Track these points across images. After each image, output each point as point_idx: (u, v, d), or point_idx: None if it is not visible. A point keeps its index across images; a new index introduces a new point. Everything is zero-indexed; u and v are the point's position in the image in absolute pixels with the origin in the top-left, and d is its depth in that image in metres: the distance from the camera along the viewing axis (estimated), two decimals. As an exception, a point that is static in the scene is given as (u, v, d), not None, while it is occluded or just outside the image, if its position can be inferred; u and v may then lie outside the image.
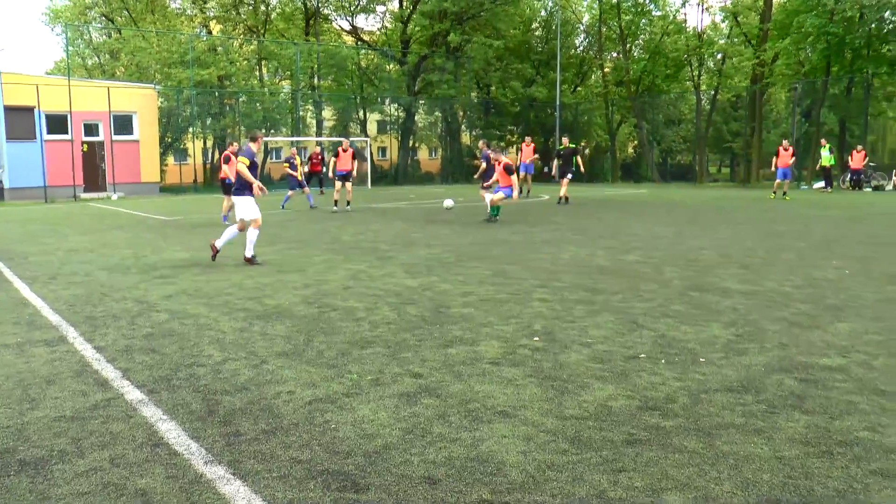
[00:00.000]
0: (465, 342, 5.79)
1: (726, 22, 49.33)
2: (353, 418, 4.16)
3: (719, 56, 49.53)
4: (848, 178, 32.77)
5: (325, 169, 23.30)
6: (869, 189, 32.29)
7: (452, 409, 4.28)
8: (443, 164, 47.47)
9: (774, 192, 25.79)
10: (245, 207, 10.42)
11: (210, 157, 46.84)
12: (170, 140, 39.72)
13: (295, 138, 39.57)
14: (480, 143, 23.11)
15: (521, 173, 23.95)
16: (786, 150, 25.08)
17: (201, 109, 38.21)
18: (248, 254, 10.32)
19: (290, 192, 22.14)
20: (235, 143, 17.37)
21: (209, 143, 45.13)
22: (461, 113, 47.70)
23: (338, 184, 20.00)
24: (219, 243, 10.46)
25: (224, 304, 7.48)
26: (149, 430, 4.05)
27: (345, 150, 20.23)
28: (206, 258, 10.77)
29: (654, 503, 3.13)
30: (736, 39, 47.37)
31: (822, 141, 32.87)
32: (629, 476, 3.38)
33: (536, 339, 5.87)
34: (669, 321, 6.49)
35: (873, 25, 38.56)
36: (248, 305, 7.36)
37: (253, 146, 10.64)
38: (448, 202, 15.02)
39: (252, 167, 10.46)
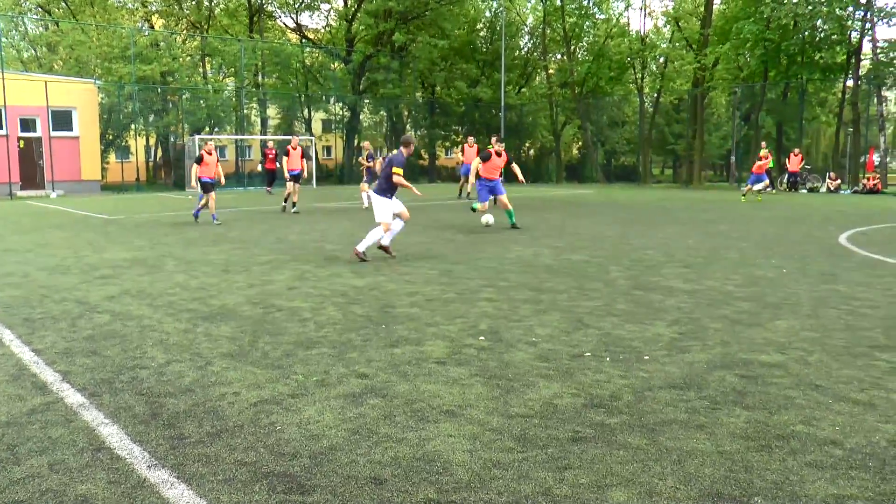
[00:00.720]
0: (411, 342, 5.80)
1: (668, 27, 50.27)
2: (298, 419, 4.13)
3: (662, 60, 50.43)
4: (785, 180, 33.66)
5: (279, 166, 23.16)
6: (804, 191, 33.21)
7: (398, 409, 4.28)
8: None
9: (759, 195, 26.15)
10: (381, 208, 10.77)
11: (153, 155, 45.95)
12: (111, 137, 38.84)
13: (239, 136, 39.13)
14: (364, 144, 22.71)
15: (463, 175, 23.90)
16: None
17: (144, 106, 37.43)
18: (362, 248, 10.53)
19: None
20: (211, 143, 16.84)
21: (152, 141, 44.28)
22: (406, 112, 47.67)
23: (289, 185, 19.70)
24: (385, 241, 10.82)
25: (168, 304, 7.35)
26: (90, 434, 3.96)
27: (294, 149, 19.93)
28: (150, 257, 10.58)
29: (598, 499, 3.18)
30: (678, 44, 48.31)
31: (763, 144, 33.74)
32: (574, 473, 3.42)
33: (482, 338, 5.91)
34: (614, 320, 6.59)
35: (807, 33, 39.71)
36: (192, 306, 7.25)
37: (405, 151, 10.99)
38: (488, 218, 14.06)
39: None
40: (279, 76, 44.67)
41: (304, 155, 20.27)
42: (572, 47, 49.32)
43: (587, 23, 48.89)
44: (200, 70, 42.54)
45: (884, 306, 7.31)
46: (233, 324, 6.47)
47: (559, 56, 51.79)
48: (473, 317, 6.71)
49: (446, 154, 54.75)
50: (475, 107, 47.47)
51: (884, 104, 43.74)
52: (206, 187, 16.18)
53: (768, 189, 32.39)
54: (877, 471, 3.49)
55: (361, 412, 4.24)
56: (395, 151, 11.20)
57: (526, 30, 52.56)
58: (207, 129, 38.87)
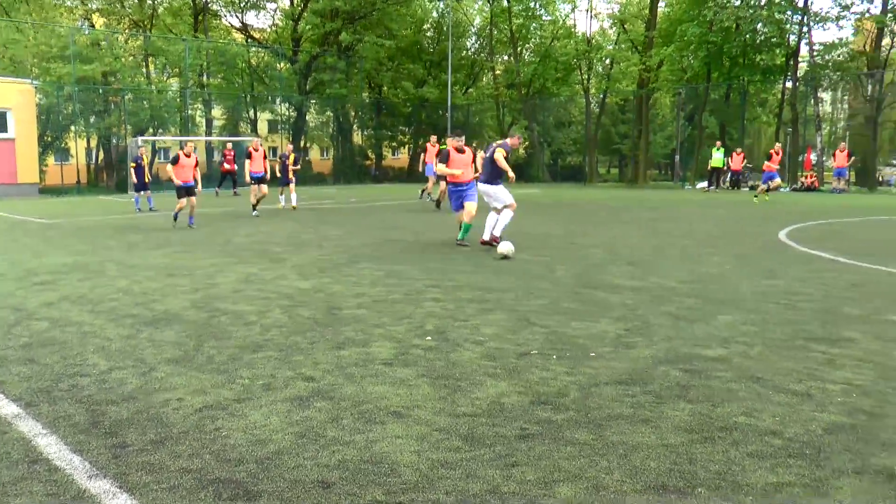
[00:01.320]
0: (358, 343, 5.77)
1: (614, 29, 50.91)
2: (244, 424, 4.08)
3: (607, 61, 51.11)
4: (728, 179, 34.36)
5: (237, 168, 22.76)
6: (746, 189, 33.92)
7: (345, 412, 4.25)
8: (335, 165, 47.06)
9: (767, 194, 25.56)
10: (501, 194, 11.77)
11: (94, 157, 44.91)
12: (50, 139, 37.82)
13: (184, 138, 38.48)
14: (287, 147, 21.97)
15: (428, 175, 23.55)
16: (777, 153, 25.28)
17: (84, 107, 36.54)
18: (498, 233, 11.62)
19: (136, 194, 21.38)
20: (190, 144, 16.14)
21: (93, 143, 43.27)
22: (353, 113, 47.43)
23: (254, 186, 19.26)
24: (497, 232, 11.66)
25: (110, 310, 7.20)
26: (26, 445, 3.85)
27: (256, 151, 19.42)
28: (91, 262, 10.35)
29: (546, 495, 3.20)
30: (623, 46, 48.97)
31: (718, 143, 34.47)
32: (522, 470, 3.44)
33: (429, 338, 5.91)
34: (561, 318, 6.65)
35: (748, 36, 40.62)
36: (135, 311, 7.11)
37: (510, 143, 11.93)
38: (506, 248, 10.45)
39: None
40: (224, 76, 44.07)
41: (245, 156, 19.88)
42: (519, 48, 49.68)
43: (533, 24, 49.30)
44: (143, 70, 41.72)
45: (820, 300, 7.52)
46: (177, 328, 6.36)
47: (506, 57, 52.10)
48: (420, 317, 6.70)
49: (393, 154, 54.64)
50: (422, 107, 47.47)
51: (820, 105, 44.97)
52: (182, 192, 15.53)
53: (709, 188, 33.10)
54: (812, 458, 3.60)
55: (308, 415, 4.21)
56: (499, 141, 12.20)
57: (473, 30, 52.75)
58: (151, 130, 38.16)
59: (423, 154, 24.25)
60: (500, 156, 11.47)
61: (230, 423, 4.10)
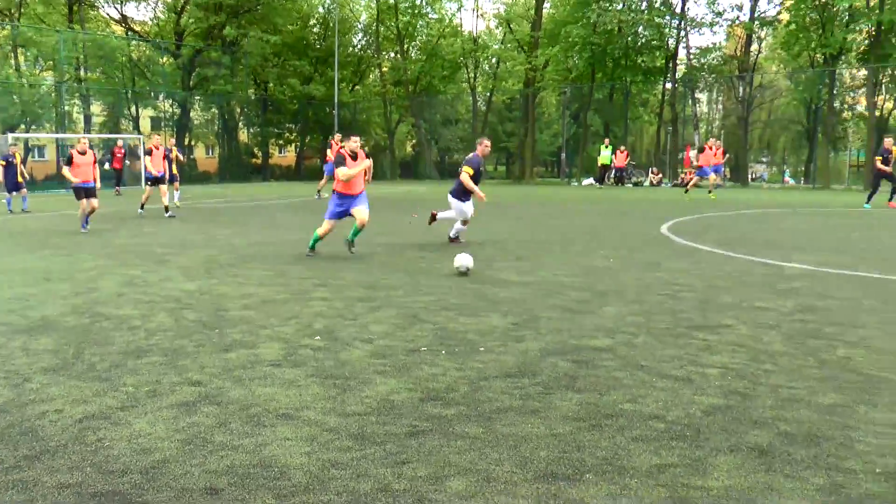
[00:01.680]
0: (246, 345, 5.66)
1: (500, 29, 51.69)
2: (128, 433, 3.93)
3: (494, 60, 51.85)
4: (612, 176, 35.48)
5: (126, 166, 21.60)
6: (630, 185, 35.13)
7: (233, 416, 4.16)
8: (220, 163, 45.90)
9: (710, 190, 25.09)
10: (465, 208, 11.89)
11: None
12: None
13: (60, 135, 36.66)
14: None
15: (327, 174, 23.02)
16: (710, 148, 24.85)
17: (-56, 101, 34.33)
18: (452, 233, 12.16)
19: (8, 195, 20.22)
20: (84, 141, 14.83)
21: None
22: (238, 110, 46.34)
23: (162, 187, 17.99)
24: (451, 231, 12.21)
25: (-24, 317, 6.79)
26: None
27: (157, 149, 18.13)
28: (-45, 268, 9.74)
29: (437, 490, 3.22)
30: (509, 45, 49.76)
31: (606, 141, 35.51)
32: (413, 467, 3.46)
33: (318, 338, 5.85)
34: (449, 313, 6.71)
35: (630, 38, 42.06)
36: (8, 319, 6.72)
37: (479, 150, 11.90)
38: (462, 262, 8.81)
39: (476, 176, 11.83)
40: (103, 70, 42.16)
41: (132, 154, 19.03)
42: (406, 46, 49.74)
43: (420, 22, 49.47)
44: (12, 62, 39.47)
45: (700, 290, 7.87)
46: (55, 336, 6.06)
47: (393, 54, 52.07)
48: (308, 317, 6.63)
49: (280, 153, 53.79)
50: (309, 104, 46.87)
51: (697, 105, 47.03)
52: (80, 193, 14.30)
53: (595, 185, 34.12)
54: (693, 439, 3.77)
55: (195, 421, 4.09)
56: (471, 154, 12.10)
57: (360, 27, 52.46)
58: (23, 126, 36.19)
59: (327, 150, 23.68)
60: (465, 178, 11.69)
61: (113, 432, 3.95)
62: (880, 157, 20.57)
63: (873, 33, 37.22)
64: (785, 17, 40.88)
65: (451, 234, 12.21)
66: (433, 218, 12.51)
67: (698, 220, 16.37)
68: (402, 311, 6.85)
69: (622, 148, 35.93)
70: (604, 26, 40.04)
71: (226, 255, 10.71)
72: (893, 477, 3.37)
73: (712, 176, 25.19)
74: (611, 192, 29.12)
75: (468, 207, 11.96)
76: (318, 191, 24.06)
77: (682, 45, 43.51)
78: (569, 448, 3.66)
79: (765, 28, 44.63)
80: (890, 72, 38.25)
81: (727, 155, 34.77)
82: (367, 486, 3.28)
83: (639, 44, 42.68)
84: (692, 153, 39.19)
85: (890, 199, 20.91)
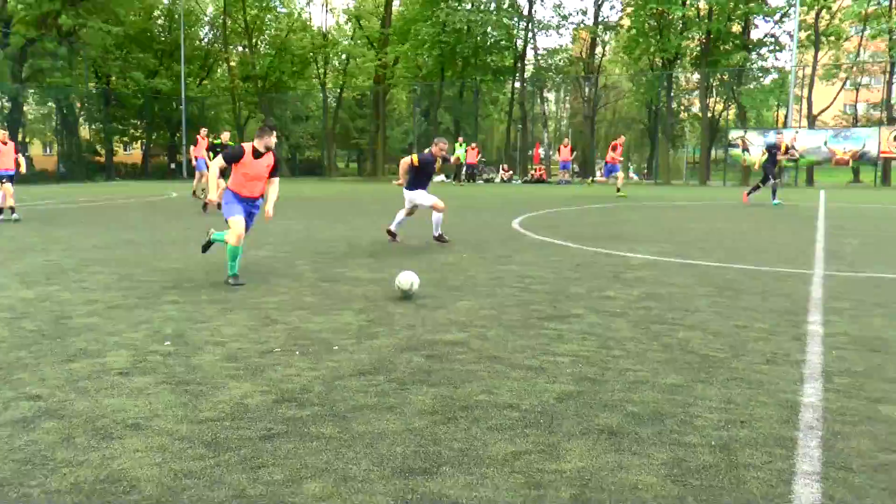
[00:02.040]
0: (91, 354, 5.33)
1: (350, 24, 51.42)
2: (-49, 454, 3.61)
3: (344, 56, 51.54)
4: (464, 172, 36.10)
5: None
6: (482, 182, 35.83)
7: (78, 430, 3.90)
8: (60, 161, 43.25)
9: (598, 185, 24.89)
10: (422, 196, 11.70)
11: None
12: None
13: None
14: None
15: (198, 172, 21.34)
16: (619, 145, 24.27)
17: None
18: (437, 231, 11.75)
19: None
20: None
21: None
22: (78, 104, 43.79)
23: (7, 186, 15.74)
24: (393, 227, 11.94)
25: None
26: None
27: (5, 144, 15.77)
28: None
29: (293, 493, 3.15)
30: (359, 41, 49.60)
31: (460, 139, 35.99)
32: (269, 471, 3.37)
33: (168, 343, 5.61)
34: (303, 313, 6.60)
35: (479, 38, 42.87)
36: None
37: (434, 151, 11.69)
38: (406, 281, 7.30)
39: (425, 176, 11.81)
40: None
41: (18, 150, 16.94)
42: (254, 40, 48.64)
43: (269, 16, 48.51)
44: None
45: (551, 282, 8.12)
46: None
47: (241, 48, 50.79)
48: (158, 321, 6.34)
49: (125, 150, 51.32)
50: (154, 99, 44.96)
51: (545, 104, 48.57)
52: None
53: (449, 181, 34.58)
54: (546, 426, 3.88)
55: (34, 438, 3.80)
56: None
57: (206, 20, 50.81)
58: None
59: (192, 147, 22.18)
60: (403, 161, 11.90)
61: (-68, 454, 3.61)
62: (766, 152, 20.29)
63: (704, 40, 39.72)
64: (626, 22, 43.00)
65: (392, 227, 12.08)
66: (441, 240, 11.83)
67: (548, 215, 16.92)
68: (255, 312, 6.67)
69: (473, 145, 36.63)
70: (453, 25, 40.66)
71: (68, 259, 10.08)
72: (727, 448, 3.60)
73: (607, 176, 25.25)
74: (463, 189, 29.61)
75: (419, 196, 11.74)
76: (195, 192, 22.45)
77: (530, 45, 44.84)
78: (425, 442, 3.67)
79: (608, 32, 46.80)
80: (720, 76, 40.89)
81: (574, 152, 36.16)
82: (221, 493, 3.16)
83: (488, 43, 43.62)
84: (541, 150, 40.48)
85: (748, 193, 20.79)
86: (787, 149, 21.28)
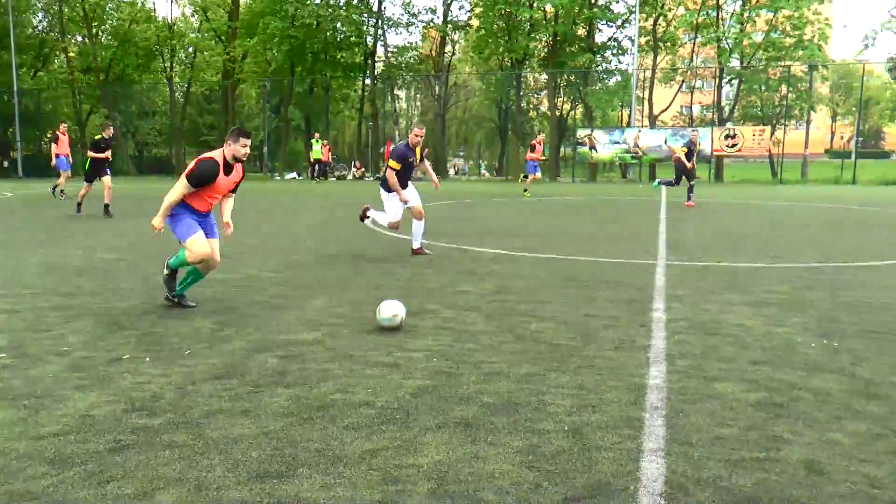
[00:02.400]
0: None
1: (196, 16, 49.69)
2: None
3: (191, 49, 49.73)
4: (316, 170, 35.72)
5: None
6: (334, 179, 35.55)
7: None
8: None
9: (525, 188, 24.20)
10: (390, 204, 10.03)
11: None
12: None
13: None
14: None
15: (61, 172, 19.75)
16: (539, 144, 23.81)
17: None
18: (416, 244, 10.14)
19: None
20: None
21: None
22: None
23: None
24: (416, 244, 10.17)
25: None
26: None
27: None
28: None
29: (144, 506, 3.03)
30: (206, 34, 48.02)
31: (317, 136, 35.44)
32: (118, 485, 3.21)
33: (3, 355, 5.23)
34: (152, 317, 6.34)
35: (329, 34, 42.49)
36: None
37: (410, 139, 10.04)
38: (389, 312, 5.92)
39: (406, 169, 9.96)
40: None
41: None
42: (94, 30, 46.13)
43: (110, 4, 46.06)
44: None
45: (405, 278, 8.18)
46: None
47: (80, 38, 48.03)
48: (-11, 331, 5.91)
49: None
50: (-20, 91, 41.85)
51: (396, 102, 48.77)
52: None
53: (304, 178, 34.11)
54: (402, 421, 3.91)
55: None
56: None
57: (40, 5, 47.65)
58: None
59: (53, 145, 20.06)
60: (390, 174, 9.81)
61: None
62: (686, 150, 19.59)
63: (551, 42, 41.14)
64: (475, 22, 43.82)
65: (415, 244, 10.21)
66: (364, 215, 10.44)
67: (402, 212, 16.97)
68: (102, 318, 6.33)
69: (325, 142, 36.31)
70: (302, 20, 40.14)
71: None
72: (579, 432, 3.76)
73: (536, 175, 24.67)
74: (317, 187, 29.28)
75: (398, 205, 10.03)
76: (56, 187, 20.65)
77: (380, 42, 44.92)
78: (281, 444, 3.61)
79: (457, 31, 47.53)
80: (567, 77, 42.46)
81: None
82: (63, 511, 2.99)
83: (338, 39, 43.32)
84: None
85: (688, 199, 19.83)
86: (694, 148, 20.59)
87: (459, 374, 4.71)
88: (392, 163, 9.84)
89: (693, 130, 23.49)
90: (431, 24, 45.93)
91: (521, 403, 4.18)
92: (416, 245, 10.14)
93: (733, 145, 35.47)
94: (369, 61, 44.99)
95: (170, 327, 5.98)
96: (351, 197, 22.38)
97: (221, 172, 6.43)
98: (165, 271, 6.80)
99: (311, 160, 35.14)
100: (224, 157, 6.43)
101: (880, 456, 3.53)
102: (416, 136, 10.05)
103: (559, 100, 44.33)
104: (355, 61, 44.75)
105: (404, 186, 9.95)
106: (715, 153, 36.26)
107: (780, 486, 3.20)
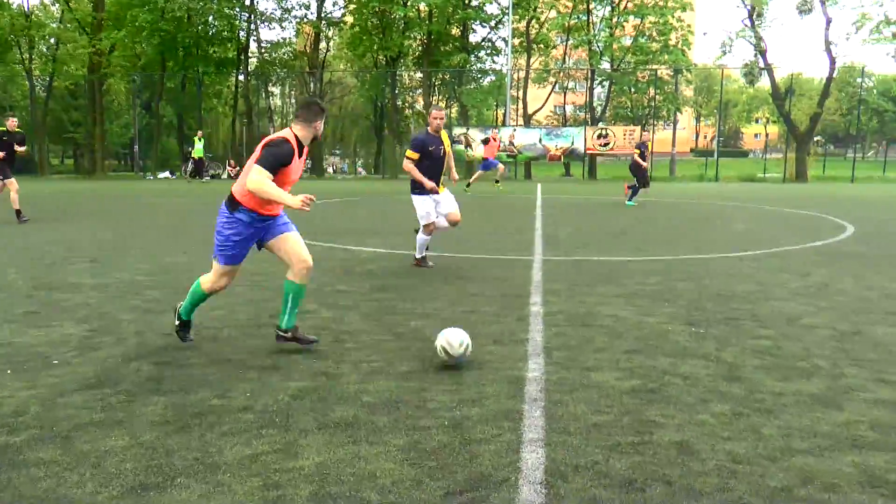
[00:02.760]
0: None
1: (58, 6, 47.19)
2: None
3: (52, 41, 47.14)
4: (189, 168, 34.64)
5: None
6: (208, 178, 34.57)
7: None
8: None
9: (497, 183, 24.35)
10: (418, 206, 8.69)
11: None
12: None
13: None
14: None
15: None
16: (494, 140, 23.83)
17: None
18: (419, 254, 8.97)
19: None
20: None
21: None
22: None
23: None
24: (417, 253, 8.96)
25: None
26: None
27: None
28: None
29: (6, 526, 2.87)
30: (69, 25, 45.68)
31: (200, 133, 34.22)
32: (-25, 506, 3.03)
33: None
34: (14, 326, 5.98)
35: (200, 28, 41.31)
36: None
37: (430, 126, 8.57)
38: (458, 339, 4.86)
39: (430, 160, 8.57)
40: None
41: None
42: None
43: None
44: None
45: (281, 278, 7.98)
46: None
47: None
48: None
49: None
50: None
51: (271, 98, 47.90)
52: None
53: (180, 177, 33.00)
54: (282, 424, 3.86)
55: None
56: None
57: None
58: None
59: None
60: (408, 165, 8.54)
61: None
62: (638, 151, 19.76)
63: (426, 41, 41.40)
64: (350, 19, 43.58)
65: (417, 254, 9.04)
66: (418, 264, 9.00)
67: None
68: (-48, 328, 5.94)
69: (200, 134, 35.26)
70: (172, 13, 38.86)
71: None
72: (459, 427, 3.82)
73: (501, 167, 25.14)
74: (191, 186, 28.39)
75: (427, 204, 8.69)
76: None
77: (252, 37, 44.01)
78: (157, 455, 3.49)
79: (332, 28, 47.11)
80: (441, 76, 42.84)
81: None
82: (-86, 536, 2.79)
83: (210, 33, 42.19)
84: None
85: (628, 198, 19.91)
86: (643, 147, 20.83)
87: (339, 375, 4.69)
88: (409, 152, 8.60)
89: (644, 132, 24.39)
90: (305, 19, 45.33)
91: (401, 401, 4.21)
92: (417, 255, 9.00)
93: (605, 144, 36.74)
94: (242, 57, 44.00)
95: (35, 336, 5.66)
96: (218, 196, 21.81)
97: (296, 154, 5.25)
98: (176, 318, 5.52)
99: (192, 158, 33.94)
100: (296, 137, 5.28)
101: (741, 433, 3.77)
102: (436, 118, 8.57)
103: (434, 98, 44.68)
104: (228, 56, 43.67)
105: (424, 189, 8.62)
106: (588, 152, 37.44)
107: (654, 467, 3.36)
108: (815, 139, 51.08)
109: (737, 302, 7.02)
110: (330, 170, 50.33)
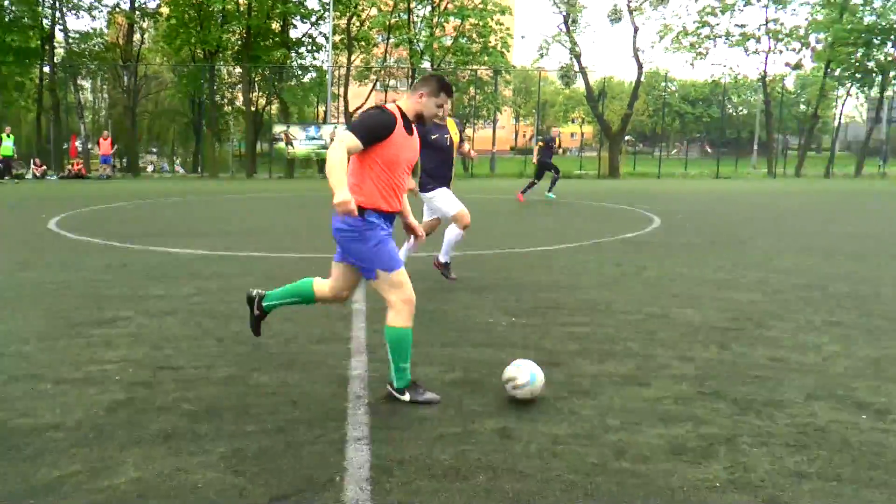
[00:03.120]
0: None
1: None
2: None
3: None
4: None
5: None
6: (9, 178, 31.98)
7: None
8: None
9: None
10: (441, 202, 7.56)
11: None
12: None
13: None
14: None
15: None
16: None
17: None
18: (444, 257, 7.97)
19: None
20: None
21: None
22: None
23: None
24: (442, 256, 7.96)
25: None
26: None
27: None
28: None
29: None
30: None
31: (8, 130, 31.37)
32: None
33: None
34: None
35: None
36: None
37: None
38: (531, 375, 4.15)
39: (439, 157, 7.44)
40: None
41: None
42: None
43: None
44: None
45: (91, 285, 7.57)
46: None
47: None
48: None
49: None
50: None
51: (81, 93, 45.06)
52: None
53: None
54: (96, 442, 3.63)
55: None
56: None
57: None
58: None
59: None
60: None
61: None
62: (542, 143, 19.74)
63: (245, 35, 40.37)
64: (166, 10, 41.73)
65: (442, 258, 8.02)
66: (439, 267, 8.06)
67: (90, 213, 15.78)
68: None
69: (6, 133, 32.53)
70: (-38, -3, 35.70)
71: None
72: (283, 430, 3.77)
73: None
74: (5, 187, 26.21)
75: (449, 195, 7.61)
76: None
77: (58, 26, 41.18)
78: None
79: (146, 19, 44.94)
80: (262, 71, 41.93)
81: (115, 145, 34.26)
82: None
83: (7, 20, 39.01)
84: (78, 143, 37.49)
85: (522, 192, 19.69)
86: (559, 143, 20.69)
87: (158, 384, 4.50)
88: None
89: (553, 128, 24.32)
90: (118, 9, 42.90)
91: (223, 407, 4.10)
92: (442, 258, 8.02)
93: (427, 141, 37.15)
94: (47, 47, 41.01)
95: None
96: (30, 198, 20.29)
97: (400, 127, 4.23)
98: (256, 311, 5.00)
99: (1, 157, 31.03)
100: (400, 110, 4.29)
101: (561, 415, 3.98)
102: (439, 104, 7.35)
103: (254, 94, 43.63)
104: (30, 46, 40.52)
105: (442, 185, 7.59)
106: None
107: (478, 455, 3.49)
108: (626, 138, 54.49)
109: (554, 292, 7.36)
110: (149, 168, 47.91)
